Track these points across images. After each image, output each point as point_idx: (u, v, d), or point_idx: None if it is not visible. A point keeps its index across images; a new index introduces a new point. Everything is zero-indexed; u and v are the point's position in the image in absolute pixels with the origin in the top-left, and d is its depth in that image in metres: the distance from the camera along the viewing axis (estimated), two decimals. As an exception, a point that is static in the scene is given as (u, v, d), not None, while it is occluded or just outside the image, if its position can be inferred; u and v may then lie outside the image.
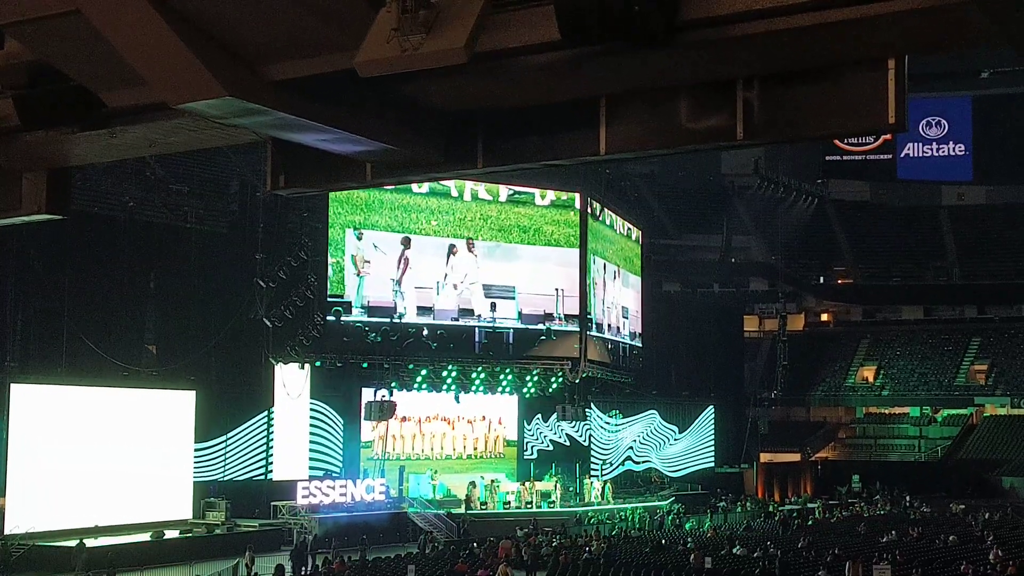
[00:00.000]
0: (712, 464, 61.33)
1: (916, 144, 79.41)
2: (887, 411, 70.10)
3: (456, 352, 44.20)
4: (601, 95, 10.64)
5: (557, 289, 46.98)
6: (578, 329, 47.17)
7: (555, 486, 47.17)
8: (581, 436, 52.51)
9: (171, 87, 9.57)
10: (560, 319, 46.87)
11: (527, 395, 49.02)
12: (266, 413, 42.05)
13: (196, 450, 39.95)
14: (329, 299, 41.25)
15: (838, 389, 70.11)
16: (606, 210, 51.19)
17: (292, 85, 9.85)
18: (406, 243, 43.70)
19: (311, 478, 41.88)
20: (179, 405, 39.54)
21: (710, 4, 8.70)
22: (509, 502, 45.41)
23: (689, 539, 37.60)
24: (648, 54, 9.22)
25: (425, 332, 43.27)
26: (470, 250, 45.37)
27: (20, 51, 10.89)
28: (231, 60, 9.49)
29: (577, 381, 47.54)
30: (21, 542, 32.99)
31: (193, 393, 39.76)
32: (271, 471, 42.23)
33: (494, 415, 49.34)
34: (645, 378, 56.43)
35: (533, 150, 11.44)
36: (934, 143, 79.49)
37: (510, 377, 46.52)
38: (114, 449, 36.91)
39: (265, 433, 42.00)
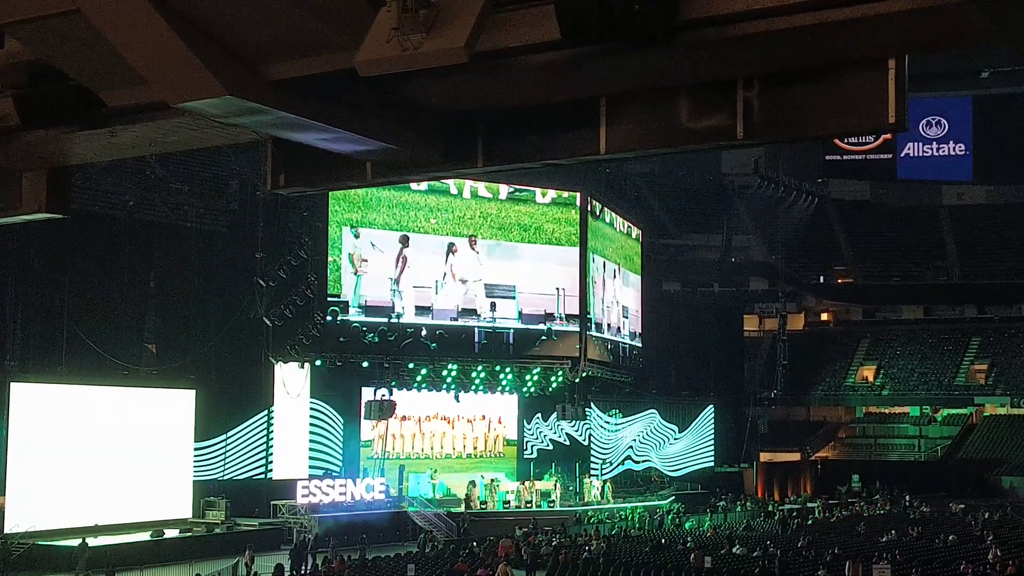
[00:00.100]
0: (712, 464, 61.34)
1: (916, 144, 79.44)
2: (887, 411, 70.12)
3: (455, 353, 44.11)
4: (601, 95, 10.64)
5: (558, 288, 46.87)
6: (578, 329, 47.14)
7: (555, 485, 47.20)
8: (581, 435, 52.51)
9: (171, 86, 9.57)
10: (561, 319, 46.79)
11: (527, 394, 49.02)
12: (266, 412, 42.05)
13: (196, 449, 39.96)
14: (328, 299, 41.24)
15: (838, 389, 70.13)
16: (606, 209, 51.18)
17: (292, 84, 9.85)
18: (404, 241, 43.52)
19: (311, 477, 41.91)
20: (179, 404, 39.54)
21: (710, 4, 8.70)
22: (509, 501, 45.43)
23: (689, 538, 37.59)
24: (648, 54, 9.22)
25: (424, 332, 43.18)
26: (472, 247, 45.20)
27: (20, 51, 10.90)
28: (231, 59, 9.50)
29: (577, 380, 47.56)
30: (21, 541, 32.99)
31: (193, 392, 39.77)
32: (271, 470, 42.22)
33: (494, 414, 49.32)
34: (645, 378, 56.46)
35: (533, 150, 11.45)
36: (934, 143, 79.52)
37: (510, 376, 46.49)
38: (114, 448, 36.92)
39: (265, 432, 42.00)
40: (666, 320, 59.14)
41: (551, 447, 51.05)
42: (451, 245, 44.76)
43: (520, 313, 45.91)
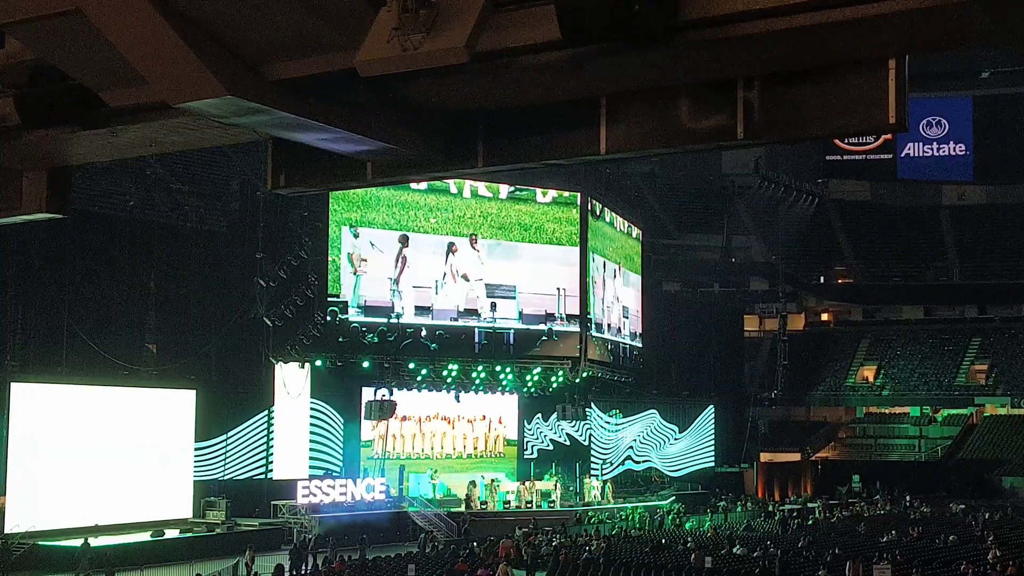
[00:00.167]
0: (712, 464, 61.33)
1: (916, 144, 79.42)
2: (887, 411, 70.07)
3: (455, 353, 44.01)
4: (601, 95, 10.65)
5: (559, 288, 46.75)
6: (579, 329, 47.09)
7: (555, 485, 47.17)
8: (581, 436, 52.49)
9: (171, 86, 9.57)
10: (562, 319, 46.71)
11: (527, 394, 49.00)
12: (266, 412, 42.03)
13: (196, 449, 39.94)
14: (328, 299, 41.20)
15: (838, 389, 70.09)
16: (606, 209, 51.14)
17: (292, 84, 9.86)
18: (404, 241, 43.34)
19: (311, 477, 41.88)
20: (179, 404, 39.53)
21: (710, 4, 8.71)
22: (509, 501, 45.41)
23: (689, 539, 37.56)
24: (648, 54, 9.23)
25: (424, 332, 43.09)
26: (473, 246, 45.10)
27: (20, 51, 10.90)
28: (231, 59, 9.50)
29: (577, 380, 47.54)
30: (21, 541, 32.98)
31: (193, 392, 39.76)
32: (271, 470, 42.20)
33: (494, 414, 49.28)
34: (645, 378, 56.42)
35: (533, 150, 11.45)
36: (934, 143, 79.50)
37: (510, 376, 46.45)
38: (114, 448, 36.90)
39: (265, 432, 41.98)
40: (666, 320, 59.12)
41: (551, 447, 51.03)
42: (451, 245, 44.64)
43: (520, 313, 45.81)
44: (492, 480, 46.09)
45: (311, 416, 43.21)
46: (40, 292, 37.42)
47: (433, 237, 44.43)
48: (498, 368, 45.68)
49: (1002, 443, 64.09)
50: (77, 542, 32.33)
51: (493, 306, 44.96)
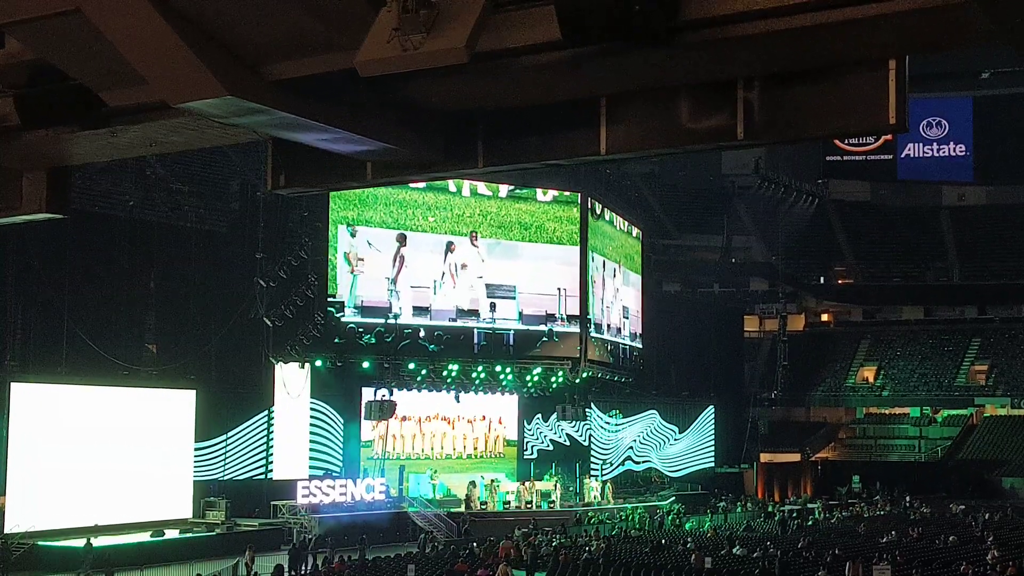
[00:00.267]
0: (712, 464, 61.33)
1: (916, 144, 79.40)
2: (887, 411, 70.07)
3: (454, 354, 43.87)
4: (601, 95, 10.65)
5: (559, 288, 46.61)
6: (579, 330, 47.02)
7: (555, 486, 47.15)
8: (581, 436, 52.48)
9: (171, 86, 9.57)
10: (563, 320, 46.60)
11: (527, 395, 48.98)
12: (266, 412, 42.03)
13: (196, 449, 39.94)
14: (327, 299, 41.15)
15: (838, 389, 70.09)
16: (606, 209, 51.08)
17: (292, 85, 9.86)
18: (402, 240, 43.04)
19: (311, 477, 41.87)
20: (179, 404, 39.53)
21: (710, 4, 8.71)
22: (509, 502, 45.38)
23: (689, 539, 37.56)
24: (648, 54, 9.23)
25: (422, 333, 42.95)
26: (473, 243, 44.89)
27: (20, 51, 10.90)
28: (231, 60, 9.50)
29: (577, 381, 47.52)
30: (21, 541, 32.98)
31: (193, 392, 39.76)
32: (271, 470, 42.19)
33: (494, 415, 49.24)
34: (645, 378, 56.40)
35: (533, 150, 11.46)
36: (934, 143, 79.49)
37: (510, 376, 46.41)
38: (114, 448, 36.90)
39: (265, 432, 41.98)
40: (666, 321, 59.09)
41: (551, 447, 51.01)
42: (450, 244, 44.43)
43: (520, 314, 45.69)
44: (492, 480, 46.07)
45: (311, 416, 43.19)
46: (40, 292, 37.40)
47: (431, 236, 44.17)
48: (498, 368, 45.64)
49: (1002, 443, 64.09)
50: (77, 542, 32.34)
51: (492, 306, 44.83)
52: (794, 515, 49.21)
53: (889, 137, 72.03)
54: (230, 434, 41.11)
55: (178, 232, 41.27)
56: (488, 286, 45.04)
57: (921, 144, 79.42)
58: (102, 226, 38.71)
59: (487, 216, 45.55)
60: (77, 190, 29.65)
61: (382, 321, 41.76)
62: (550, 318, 46.18)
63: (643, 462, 57.38)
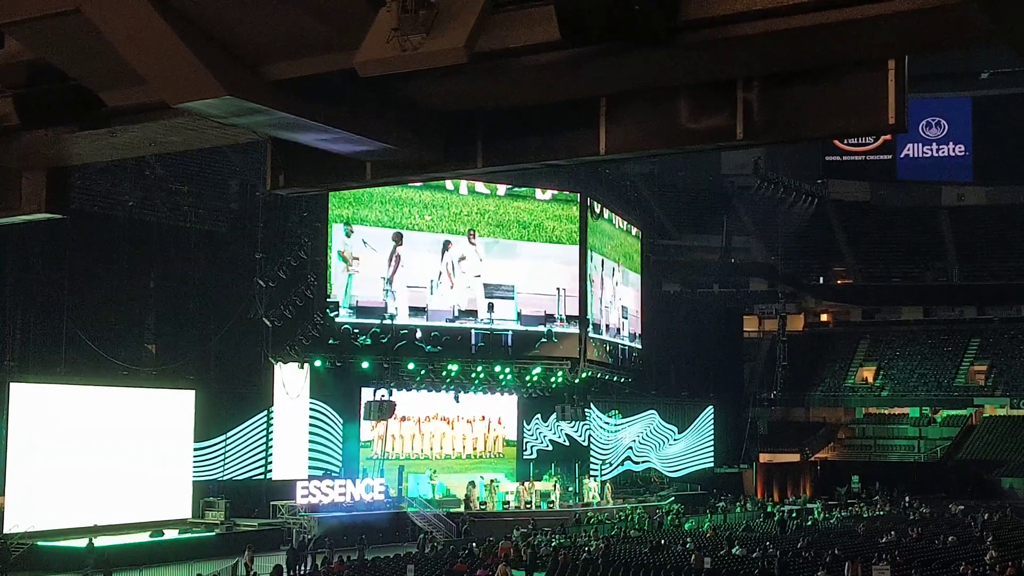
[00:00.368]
0: (711, 464, 61.33)
1: (916, 144, 79.40)
2: (887, 411, 70.06)
3: (451, 356, 43.71)
4: (601, 95, 10.65)
5: (559, 288, 46.47)
6: (578, 330, 46.96)
7: (554, 486, 47.15)
8: (580, 436, 52.47)
9: (171, 86, 9.57)
10: (562, 320, 46.49)
11: (526, 395, 48.96)
12: (265, 413, 42.01)
13: (195, 449, 39.94)
14: (325, 299, 41.11)
15: (838, 389, 70.08)
16: (606, 208, 51.03)
17: (292, 85, 9.86)
18: (398, 239, 42.63)
19: (310, 478, 41.84)
20: (179, 404, 39.53)
21: (710, 4, 8.71)
22: (508, 502, 45.37)
23: (688, 539, 37.55)
24: (648, 54, 9.23)
25: (418, 334, 42.80)
26: (471, 241, 44.69)
27: (20, 51, 10.90)
28: (231, 60, 9.50)
29: (576, 381, 47.50)
30: (21, 541, 32.98)
31: (193, 392, 39.76)
32: (270, 471, 42.18)
33: (493, 415, 49.20)
34: (645, 378, 56.41)
35: (533, 150, 11.46)
36: (934, 143, 79.50)
37: (509, 377, 46.38)
38: (114, 448, 36.90)
39: (264, 433, 41.97)
40: (666, 321, 59.09)
41: (551, 448, 51.00)
42: (447, 243, 44.15)
43: (519, 314, 45.56)
44: (491, 480, 46.06)
45: (310, 416, 43.17)
46: (40, 292, 37.40)
47: (428, 235, 43.77)
48: (497, 368, 45.60)
49: (1001, 444, 64.09)
50: (76, 542, 32.35)
51: (491, 307, 44.70)
52: (793, 515, 49.19)
53: (888, 137, 72.05)
54: (229, 434, 41.10)
55: (178, 232, 41.25)
56: (486, 286, 44.80)
57: (920, 144, 79.43)
58: (102, 226, 38.70)
59: (485, 214, 45.27)
60: (77, 190, 29.69)
61: (378, 321, 41.61)
62: (549, 319, 46.05)
63: (642, 462, 57.37)
